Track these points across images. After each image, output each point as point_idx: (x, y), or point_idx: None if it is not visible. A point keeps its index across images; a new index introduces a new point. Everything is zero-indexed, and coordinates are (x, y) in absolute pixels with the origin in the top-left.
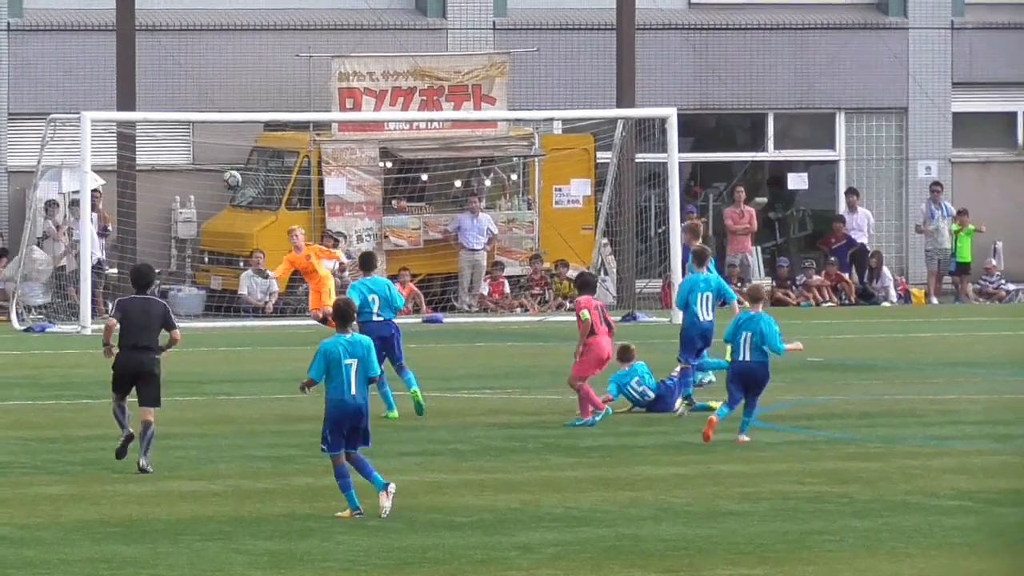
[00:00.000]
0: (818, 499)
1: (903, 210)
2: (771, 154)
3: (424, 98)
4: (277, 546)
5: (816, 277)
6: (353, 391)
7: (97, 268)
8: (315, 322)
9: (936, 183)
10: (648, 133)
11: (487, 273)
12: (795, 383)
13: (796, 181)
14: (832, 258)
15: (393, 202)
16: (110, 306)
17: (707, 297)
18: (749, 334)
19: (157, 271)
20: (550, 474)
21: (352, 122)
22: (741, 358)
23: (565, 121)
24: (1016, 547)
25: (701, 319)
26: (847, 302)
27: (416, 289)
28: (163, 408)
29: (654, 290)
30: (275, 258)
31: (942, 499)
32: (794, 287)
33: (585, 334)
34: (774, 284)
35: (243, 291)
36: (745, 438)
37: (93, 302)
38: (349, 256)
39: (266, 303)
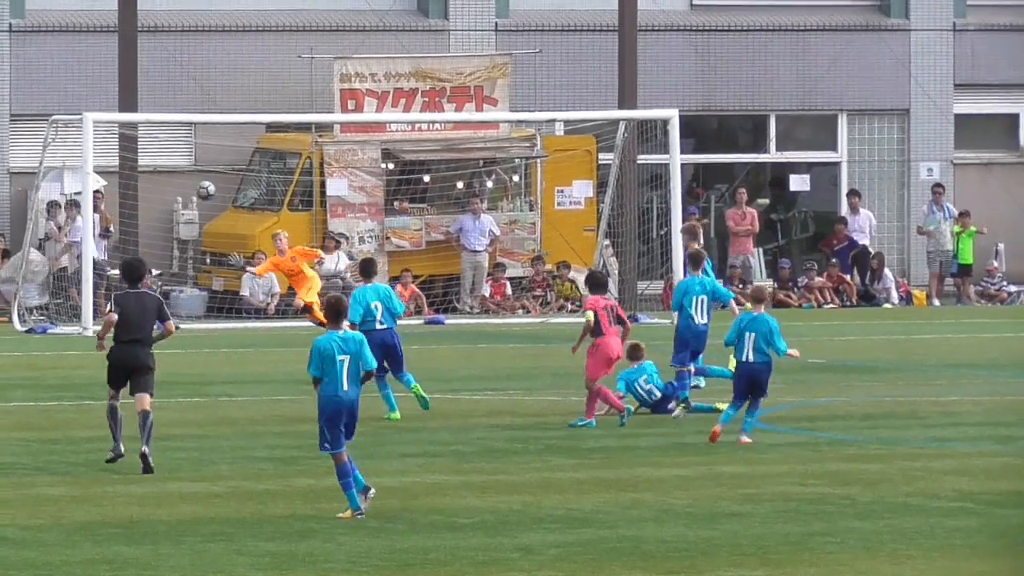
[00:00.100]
0: (820, 501)
1: (905, 212)
2: (773, 156)
3: (426, 99)
4: (279, 547)
5: (818, 279)
6: (346, 386)
7: (99, 269)
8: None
9: (938, 185)
10: (650, 134)
11: (489, 275)
12: (797, 385)
13: (798, 183)
14: (834, 260)
15: (395, 203)
16: (109, 304)
17: (702, 301)
18: (752, 334)
19: (159, 272)
20: (551, 475)
21: (354, 123)
22: (745, 359)
23: (567, 122)
24: (1018, 549)
25: (696, 322)
26: (849, 304)
27: (418, 291)
28: (159, 405)
29: (656, 292)
30: None
31: (943, 501)
32: (796, 289)
33: (585, 334)
34: (776, 286)
35: (245, 292)
36: (747, 439)
37: (95, 303)
38: (351, 257)
39: (268, 304)
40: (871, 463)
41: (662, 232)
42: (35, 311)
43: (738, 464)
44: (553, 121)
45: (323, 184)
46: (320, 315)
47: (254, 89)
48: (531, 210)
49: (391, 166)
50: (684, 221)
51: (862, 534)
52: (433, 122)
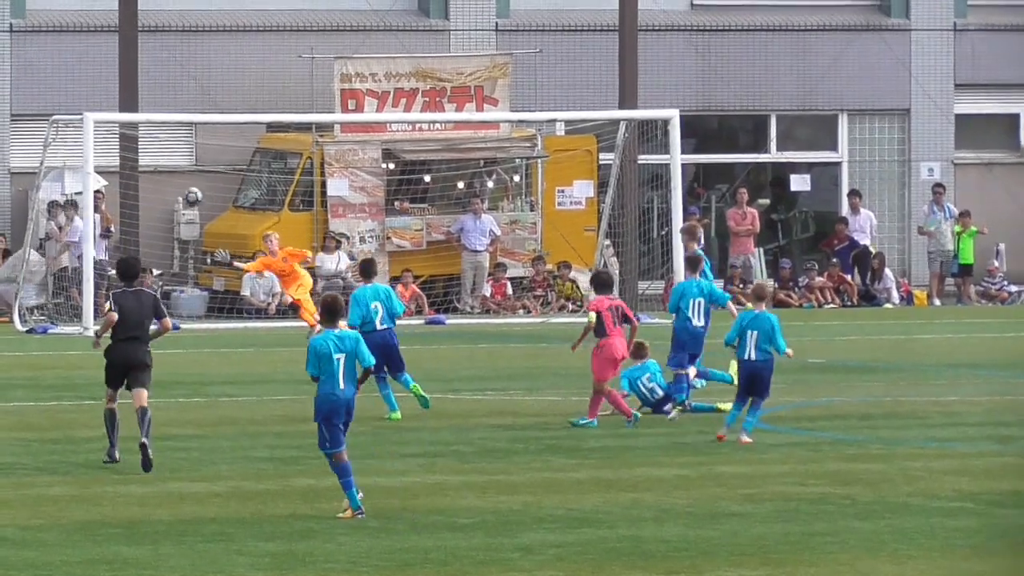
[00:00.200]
0: (820, 500)
1: (905, 212)
2: (774, 156)
3: (427, 99)
4: (279, 547)
5: (818, 279)
6: (342, 385)
7: (100, 269)
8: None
9: (938, 185)
10: (651, 134)
11: (489, 274)
12: (797, 384)
13: (799, 183)
14: (834, 260)
15: (396, 203)
16: (108, 303)
17: (699, 303)
18: (754, 332)
19: (160, 272)
20: (552, 475)
21: (355, 123)
22: (747, 357)
23: (568, 122)
24: (1018, 549)
25: (693, 325)
26: (849, 304)
27: (419, 291)
28: (159, 405)
29: (656, 292)
30: None
31: (944, 501)
32: (796, 289)
33: (586, 334)
34: (776, 286)
35: (246, 292)
36: (748, 439)
37: (95, 303)
38: (352, 257)
39: (269, 304)
40: (871, 463)
41: (663, 232)
42: (34, 311)
43: (738, 464)
44: (554, 121)
45: (324, 184)
46: (307, 314)
47: (254, 89)
48: (532, 210)
49: (392, 166)
50: (684, 221)
51: (863, 534)
52: (433, 122)
